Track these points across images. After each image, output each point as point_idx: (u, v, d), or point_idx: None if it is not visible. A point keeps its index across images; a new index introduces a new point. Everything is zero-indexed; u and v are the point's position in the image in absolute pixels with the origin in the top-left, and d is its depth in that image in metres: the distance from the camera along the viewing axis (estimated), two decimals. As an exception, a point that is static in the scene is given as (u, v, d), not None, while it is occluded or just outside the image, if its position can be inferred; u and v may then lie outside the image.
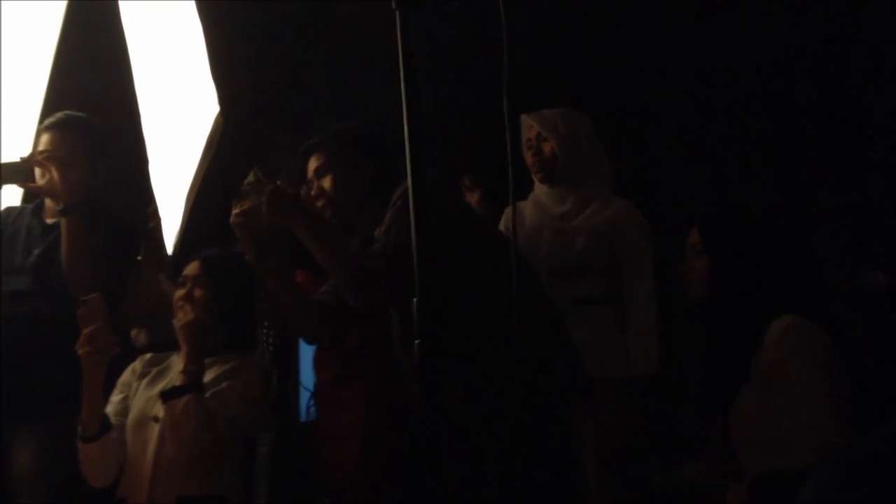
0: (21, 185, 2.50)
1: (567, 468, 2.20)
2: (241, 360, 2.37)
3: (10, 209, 2.70)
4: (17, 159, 2.47)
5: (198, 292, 2.37)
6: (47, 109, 2.86)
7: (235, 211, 2.18)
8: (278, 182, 2.14)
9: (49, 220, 2.60)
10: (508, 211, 2.63)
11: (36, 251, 2.52)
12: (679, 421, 3.10)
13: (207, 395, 2.28)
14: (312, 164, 2.29)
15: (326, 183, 2.25)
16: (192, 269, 2.41)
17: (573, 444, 2.33)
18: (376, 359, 2.40)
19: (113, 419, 2.33)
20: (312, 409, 2.63)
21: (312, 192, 2.28)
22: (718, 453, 2.16)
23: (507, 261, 1.71)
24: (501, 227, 2.74)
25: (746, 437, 2.08)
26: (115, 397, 2.39)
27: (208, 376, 2.33)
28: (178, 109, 2.57)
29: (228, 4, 2.62)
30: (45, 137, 2.59)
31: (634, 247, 2.88)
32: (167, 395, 2.23)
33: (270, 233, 2.18)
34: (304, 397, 3.13)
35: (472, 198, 3.22)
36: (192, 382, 2.22)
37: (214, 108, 2.27)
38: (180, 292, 2.38)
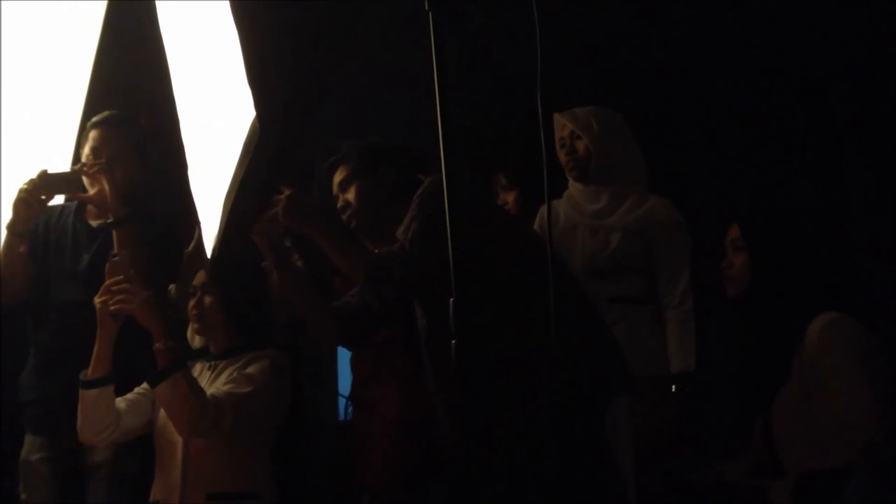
0: (70, 195, 2.51)
1: (605, 467, 2.19)
2: (254, 354, 2.40)
3: (51, 209, 2.70)
4: (67, 170, 2.50)
5: (207, 300, 2.41)
6: (89, 110, 2.90)
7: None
8: (292, 190, 2.19)
9: (93, 223, 2.61)
10: (543, 209, 2.62)
11: (86, 256, 2.54)
12: (718, 419, 3.07)
13: (225, 388, 2.30)
14: (336, 178, 2.35)
15: (350, 195, 2.31)
16: (199, 277, 2.45)
17: (611, 443, 2.32)
18: (407, 358, 2.41)
19: (132, 395, 2.36)
20: (350, 409, 2.64)
21: (338, 206, 2.33)
22: (759, 452, 2.14)
23: (543, 259, 1.71)
24: (536, 225, 2.74)
25: (788, 435, 2.05)
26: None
27: (224, 377, 2.36)
28: (215, 113, 2.60)
29: (262, 7, 2.65)
30: (93, 134, 2.60)
31: (671, 244, 2.85)
32: (153, 381, 2.25)
33: (288, 240, 2.22)
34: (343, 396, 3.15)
35: (509, 197, 3.21)
36: (173, 361, 2.23)
37: (251, 113, 2.30)
38: (192, 302, 2.42)
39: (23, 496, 2.58)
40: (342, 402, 2.96)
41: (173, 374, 2.21)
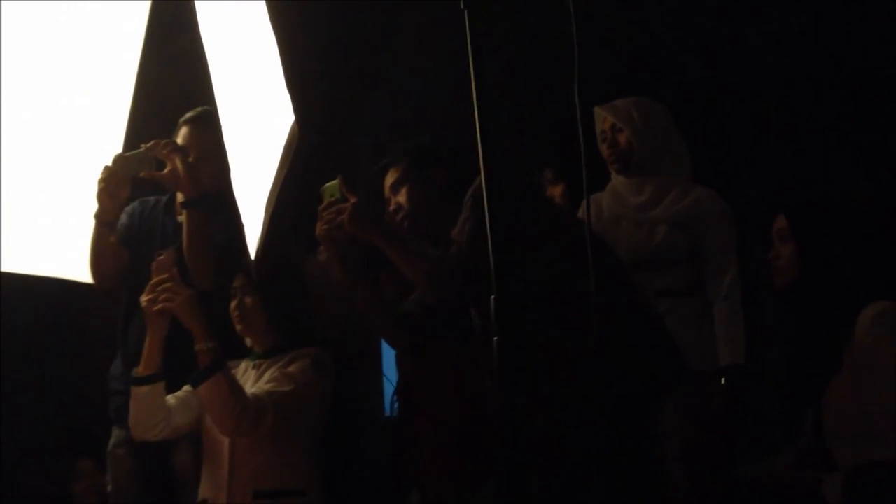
0: (144, 174, 2.51)
1: (653, 461, 2.18)
2: (297, 353, 2.42)
3: (143, 202, 2.75)
4: (142, 147, 2.50)
5: (248, 300, 2.43)
6: (134, 114, 2.96)
7: (321, 224, 2.25)
8: (357, 197, 2.22)
9: (180, 218, 2.62)
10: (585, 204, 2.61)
11: (172, 249, 2.54)
12: (768, 412, 3.03)
13: (266, 387, 2.32)
14: (388, 180, 2.38)
15: (402, 197, 2.34)
16: (239, 279, 2.47)
17: (659, 436, 2.31)
18: (453, 353, 2.42)
19: (182, 392, 2.40)
20: (397, 406, 2.66)
21: (390, 208, 2.36)
22: (809, 444, 2.11)
23: (593, 253, 1.71)
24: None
25: (838, 427, 2.03)
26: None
27: (267, 376, 2.38)
28: (255, 116, 2.63)
29: (299, 10, 2.68)
30: (183, 130, 2.63)
31: (717, 235, 2.82)
32: (194, 381, 2.27)
33: (353, 245, 2.25)
34: (389, 392, 3.17)
35: (556, 191, 3.20)
36: (213, 362, 2.25)
37: (290, 117, 2.33)
38: (233, 304, 2.45)
39: (109, 487, 2.65)
40: (388, 399, 2.99)
41: (214, 374, 2.24)
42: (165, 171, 2.49)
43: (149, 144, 2.50)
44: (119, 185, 2.49)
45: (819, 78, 3.83)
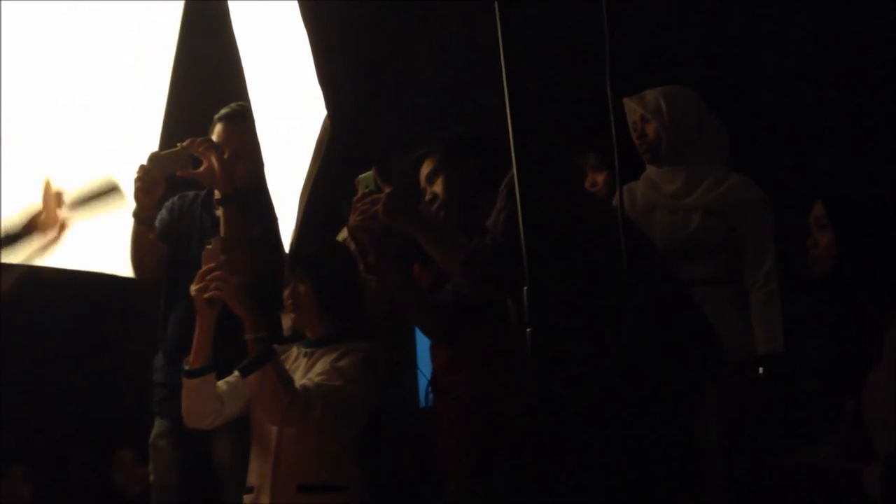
0: (180, 173, 2.54)
1: (690, 453, 2.17)
2: (349, 346, 2.42)
3: (182, 197, 2.78)
4: (178, 146, 2.53)
5: (301, 288, 2.44)
6: (170, 111, 3.00)
7: (355, 214, 2.26)
8: (392, 187, 2.22)
9: (218, 213, 2.62)
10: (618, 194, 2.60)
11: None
12: (806, 402, 2.99)
13: (316, 380, 2.34)
14: (423, 171, 2.38)
15: (437, 187, 2.33)
16: (292, 268, 2.47)
17: (697, 426, 2.30)
18: (486, 345, 2.42)
19: (233, 378, 2.41)
20: (431, 396, 2.67)
21: (426, 198, 2.36)
22: (849, 434, 2.09)
23: (628, 243, 1.70)
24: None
25: (878, 417, 2.00)
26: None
27: (318, 367, 2.40)
28: (288, 111, 2.65)
29: (330, 3, 2.69)
30: (218, 127, 2.66)
31: (753, 223, 2.79)
32: (244, 371, 2.28)
33: (387, 235, 2.26)
34: (424, 383, 3.18)
35: (599, 177, 3.18)
36: (262, 351, 2.25)
37: (322, 111, 2.35)
38: (286, 292, 2.46)
39: (151, 477, 2.69)
40: (423, 390, 3.00)
41: (263, 365, 2.25)
42: (201, 168, 2.52)
43: (185, 143, 2.53)
44: (155, 184, 2.52)
45: (859, 65, 3.77)
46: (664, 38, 3.61)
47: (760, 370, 2.70)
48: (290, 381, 2.29)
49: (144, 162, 2.54)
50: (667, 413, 2.03)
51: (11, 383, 3.47)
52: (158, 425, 2.67)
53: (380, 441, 2.63)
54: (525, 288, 1.59)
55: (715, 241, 2.78)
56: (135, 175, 2.52)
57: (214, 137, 2.64)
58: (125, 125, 2.83)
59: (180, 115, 3.00)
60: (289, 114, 2.55)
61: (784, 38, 3.75)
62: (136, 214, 2.56)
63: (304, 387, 2.31)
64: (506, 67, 1.59)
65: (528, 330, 1.58)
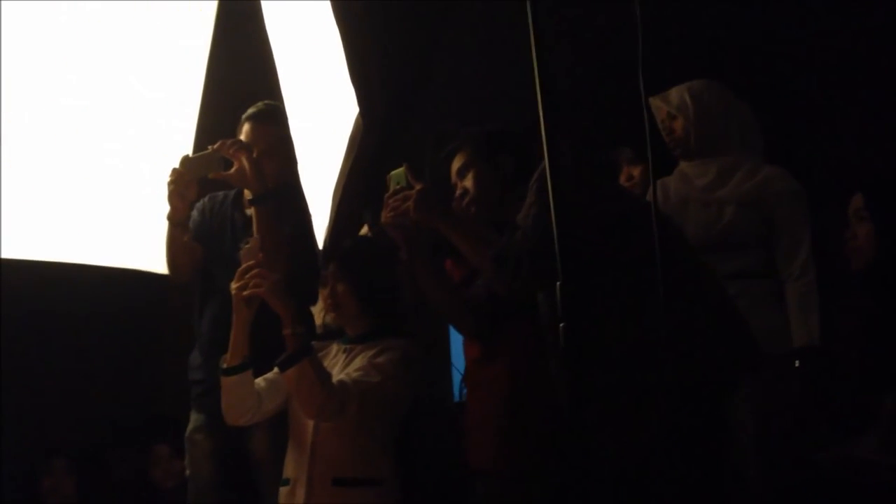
0: (212, 175, 2.56)
1: (726, 448, 2.15)
2: (387, 343, 2.43)
3: (212, 197, 2.80)
4: (208, 149, 2.55)
5: (340, 287, 2.45)
6: (204, 110, 3.03)
7: (387, 211, 2.28)
8: (423, 184, 2.24)
9: (248, 212, 2.64)
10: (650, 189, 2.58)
11: (242, 245, 2.55)
12: (844, 395, 2.95)
13: (354, 376, 2.35)
14: (454, 166, 2.38)
15: (468, 182, 2.34)
16: (329, 266, 2.49)
17: (733, 422, 2.28)
18: (519, 338, 2.42)
19: (272, 374, 2.43)
20: (465, 391, 2.67)
21: (457, 194, 2.36)
22: (888, 428, 2.05)
23: (661, 237, 1.69)
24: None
25: (919, 411, 1.96)
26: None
27: (357, 363, 2.41)
28: (320, 109, 2.67)
29: (361, 6, 2.70)
30: (246, 127, 2.67)
31: (788, 214, 2.76)
32: (282, 366, 2.29)
33: (419, 231, 2.26)
34: (458, 378, 3.19)
35: (635, 171, 3.17)
36: (300, 347, 2.26)
37: (354, 109, 2.36)
38: (324, 291, 2.47)
39: (187, 471, 2.73)
40: (457, 386, 3.01)
41: (301, 360, 2.26)
42: (232, 170, 2.53)
43: (215, 145, 2.55)
44: (188, 186, 2.55)
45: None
46: (697, 30, 3.57)
47: (796, 363, 2.67)
48: (328, 376, 2.31)
49: (177, 165, 2.56)
50: (702, 408, 2.01)
51: (53, 379, 3.54)
52: (194, 420, 2.71)
53: (415, 435, 2.64)
54: (557, 283, 1.58)
55: (749, 234, 2.75)
56: (168, 178, 2.55)
57: (242, 137, 2.65)
58: (160, 121, 2.87)
59: (215, 111, 3.04)
60: (321, 112, 2.56)
61: (820, 27, 3.70)
62: (171, 217, 2.59)
63: (341, 382, 2.32)
64: (538, 62, 1.58)
65: (561, 325, 1.57)
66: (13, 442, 3.16)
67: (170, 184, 2.54)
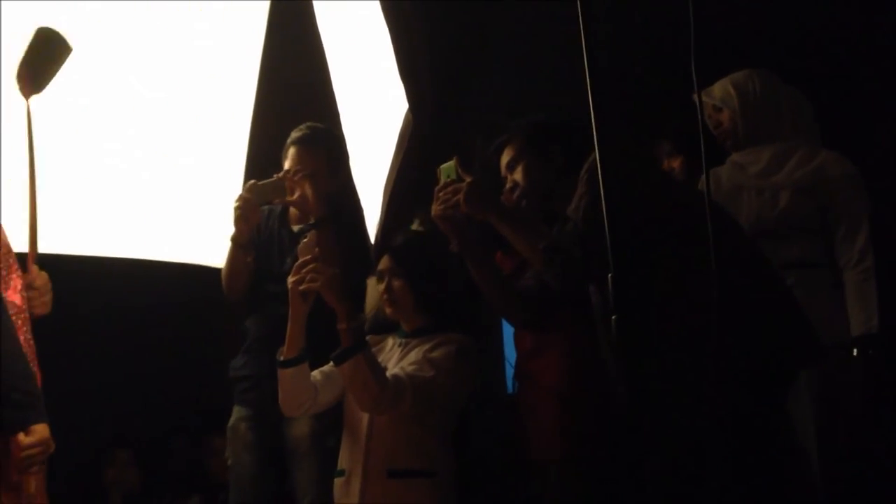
0: (279, 200, 2.74)
1: (787, 442, 2.13)
2: (443, 337, 2.45)
3: (261, 211, 2.91)
4: (274, 178, 2.71)
5: (396, 283, 2.47)
6: (258, 108, 3.08)
7: (437, 204, 2.29)
8: (473, 177, 2.24)
9: (295, 228, 2.82)
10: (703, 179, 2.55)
11: (289, 259, 2.70)
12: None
13: (408, 370, 2.37)
14: (504, 158, 2.39)
15: (518, 175, 2.34)
16: (384, 262, 2.51)
17: (792, 414, 2.25)
18: (571, 329, 2.42)
19: (328, 367, 2.46)
20: (517, 383, 2.67)
21: (507, 186, 2.37)
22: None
23: (714, 226, 1.68)
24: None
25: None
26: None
27: (412, 356, 2.43)
28: (371, 106, 2.70)
29: (409, 3, 2.71)
30: (291, 151, 2.80)
31: (845, 200, 2.71)
32: (337, 360, 2.31)
33: (469, 224, 2.27)
34: (510, 371, 3.20)
35: (675, 163, 3.14)
36: (355, 341, 2.29)
37: (404, 104, 2.38)
38: (381, 287, 2.50)
39: (229, 461, 2.81)
40: (510, 378, 3.01)
41: (355, 354, 2.28)
42: (295, 196, 2.69)
43: (280, 175, 2.71)
44: (253, 211, 2.70)
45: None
46: (748, 15, 3.51)
47: (854, 352, 2.62)
48: (381, 371, 2.33)
49: (244, 191, 2.70)
50: (762, 400, 1.99)
51: (116, 372, 3.64)
52: (237, 412, 2.80)
53: (468, 428, 2.65)
54: (609, 275, 1.58)
55: (805, 220, 2.71)
56: (235, 203, 2.69)
57: (288, 161, 2.79)
58: (211, 120, 2.92)
59: (269, 106, 3.09)
60: (372, 108, 2.59)
61: (878, 8, 3.62)
62: (235, 239, 2.72)
63: (395, 377, 2.34)
64: (588, 54, 1.58)
65: (614, 317, 1.57)
66: (78, 434, 3.25)
67: (237, 208, 2.68)
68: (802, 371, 2.28)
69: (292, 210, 2.84)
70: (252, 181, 2.72)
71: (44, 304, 2.17)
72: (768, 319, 2.04)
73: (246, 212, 2.67)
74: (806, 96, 2.87)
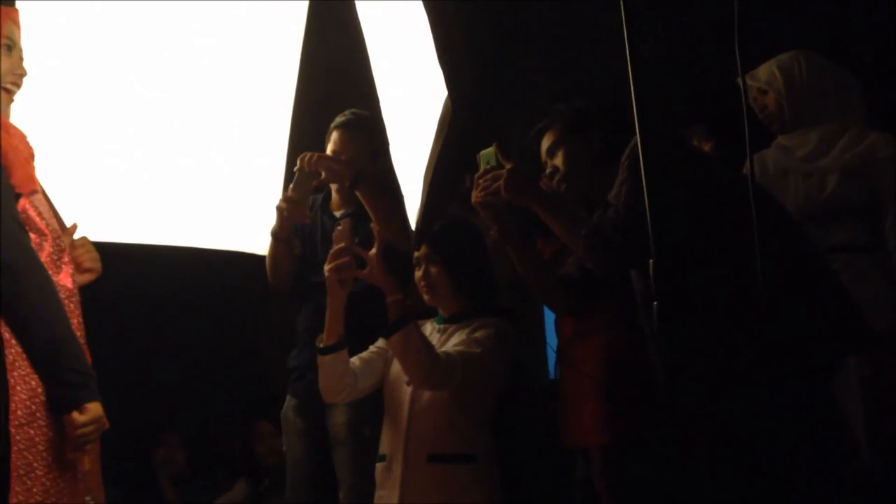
0: (315, 182, 2.73)
1: (835, 428, 2.10)
2: (481, 321, 2.46)
3: None
4: (295, 172, 2.71)
5: (433, 269, 2.49)
6: (300, 94, 3.11)
7: (477, 191, 2.30)
8: (513, 164, 2.24)
9: (337, 213, 2.84)
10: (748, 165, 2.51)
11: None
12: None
13: (456, 349, 2.39)
14: (544, 143, 2.38)
15: (558, 160, 2.33)
16: (422, 249, 2.53)
17: (841, 403, 2.22)
18: (612, 316, 2.41)
19: (367, 354, 2.51)
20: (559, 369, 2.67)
21: (547, 172, 2.35)
22: None
23: (758, 210, 1.65)
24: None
25: None
26: (381, 342, 2.54)
27: (454, 339, 2.44)
28: (411, 95, 2.71)
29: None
30: (334, 136, 2.83)
31: (895, 182, 2.65)
32: (387, 332, 2.34)
33: (510, 210, 2.27)
34: (553, 357, 3.20)
35: (707, 146, 3.12)
36: (404, 313, 2.31)
37: (443, 92, 2.38)
38: (418, 273, 2.51)
39: (284, 447, 2.90)
40: (552, 364, 3.01)
41: (406, 324, 2.31)
42: (323, 177, 2.70)
43: (296, 167, 2.72)
44: (298, 212, 2.73)
45: None
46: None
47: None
48: (431, 345, 2.36)
49: (290, 192, 2.72)
50: (808, 388, 1.96)
51: (166, 358, 3.72)
52: (288, 401, 2.86)
53: (510, 413, 2.66)
54: (651, 261, 1.57)
55: (854, 203, 2.65)
56: (279, 203, 2.72)
57: (330, 145, 2.82)
58: (255, 115, 2.96)
59: (311, 92, 3.12)
60: (411, 95, 2.60)
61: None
62: (277, 235, 2.76)
63: (445, 353, 2.37)
64: (628, 38, 1.57)
65: (655, 303, 1.56)
66: (129, 416, 3.34)
67: (283, 209, 2.71)
68: (850, 358, 2.24)
69: (334, 197, 2.87)
70: (291, 186, 2.73)
71: (93, 258, 2.19)
72: (815, 305, 2.01)
73: (291, 213, 2.71)
74: (853, 76, 2.81)
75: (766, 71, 2.78)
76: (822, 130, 2.72)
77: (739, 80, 1.82)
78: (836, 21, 3.40)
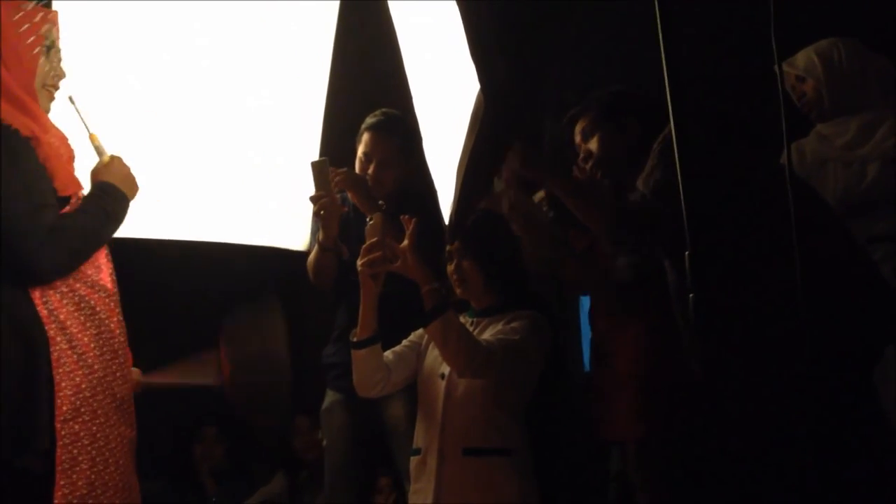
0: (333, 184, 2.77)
1: (874, 419, 2.07)
2: (515, 314, 2.46)
3: (344, 199, 2.95)
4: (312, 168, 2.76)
5: (465, 263, 2.48)
6: (332, 92, 3.12)
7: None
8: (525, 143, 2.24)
9: (368, 219, 2.82)
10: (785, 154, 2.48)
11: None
12: None
13: (495, 337, 2.38)
14: (578, 127, 2.37)
15: (593, 145, 2.32)
16: (454, 243, 2.51)
17: (880, 393, 2.18)
18: (646, 308, 2.39)
19: (399, 347, 2.52)
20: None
21: (581, 156, 2.33)
22: None
23: (796, 199, 1.64)
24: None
25: None
26: (414, 336, 2.55)
27: (489, 331, 2.44)
28: (444, 90, 2.70)
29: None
30: (365, 137, 2.85)
31: (938, 170, 2.60)
32: (426, 320, 2.33)
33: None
34: (588, 348, 3.18)
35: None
36: (441, 301, 2.31)
37: (475, 87, 2.38)
38: (450, 267, 2.52)
39: (324, 442, 2.91)
40: (587, 356, 3.00)
41: (444, 312, 2.31)
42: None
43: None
44: (336, 210, 2.76)
45: None
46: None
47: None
48: (470, 332, 2.37)
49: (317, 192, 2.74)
50: (846, 379, 1.94)
51: (203, 352, 3.75)
52: (330, 396, 2.86)
53: (545, 406, 2.65)
54: (686, 252, 1.55)
55: (894, 193, 2.61)
56: (315, 208, 2.75)
57: (362, 145, 2.84)
58: (290, 116, 2.98)
59: (343, 89, 3.13)
60: (444, 90, 2.60)
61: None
62: (324, 244, 2.79)
63: (485, 341, 2.37)
64: (662, 26, 1.56)
65: (691, 296, 1.55)
66: (168, 411, 3.38)
67: (320, 214, 2.74)
68: (890, 348, 2.21)
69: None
70: (314, 187, 2.75)
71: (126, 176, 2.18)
72: (855, 295, 1.98)
73: (330, 212, 2.73)
74: (892, 64, 2.76)
75: (805, 58, 2.74)
76: (862, 118, 2.68)
77: (776, 67, 1.79)
78: (872, 8, 3.34)
